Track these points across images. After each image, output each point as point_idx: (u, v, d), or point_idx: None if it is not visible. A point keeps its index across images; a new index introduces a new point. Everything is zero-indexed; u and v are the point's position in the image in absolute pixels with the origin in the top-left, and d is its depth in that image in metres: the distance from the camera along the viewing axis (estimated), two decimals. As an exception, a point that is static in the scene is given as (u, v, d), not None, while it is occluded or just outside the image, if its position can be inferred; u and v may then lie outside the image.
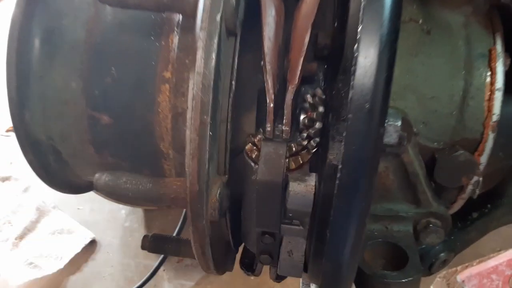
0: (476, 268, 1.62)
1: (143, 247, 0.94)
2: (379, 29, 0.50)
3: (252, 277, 1.18)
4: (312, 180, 0.64)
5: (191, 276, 1.69)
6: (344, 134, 0.51)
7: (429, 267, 1.01)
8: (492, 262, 1.55)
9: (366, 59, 0.50)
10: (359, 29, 0.50)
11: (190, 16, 0.65)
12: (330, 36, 0.71)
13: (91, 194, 1.73)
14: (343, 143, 0.52)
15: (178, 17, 0.74)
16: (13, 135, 2.32)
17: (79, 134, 0.83)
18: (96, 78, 0.78)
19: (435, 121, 0.77)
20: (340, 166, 0.52)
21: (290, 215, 0.67)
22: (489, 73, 0.76)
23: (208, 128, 0.62)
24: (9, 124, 2.32)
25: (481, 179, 0.80)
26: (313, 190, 0.63)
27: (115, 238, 1.81)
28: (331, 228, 0.55)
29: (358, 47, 0.50)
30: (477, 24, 0.79)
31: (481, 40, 0.78)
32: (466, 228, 1.00)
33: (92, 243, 1.76)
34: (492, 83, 0.75)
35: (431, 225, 0.81)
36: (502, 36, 0.78)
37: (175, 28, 0.74)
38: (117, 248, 1.78)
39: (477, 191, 0.81)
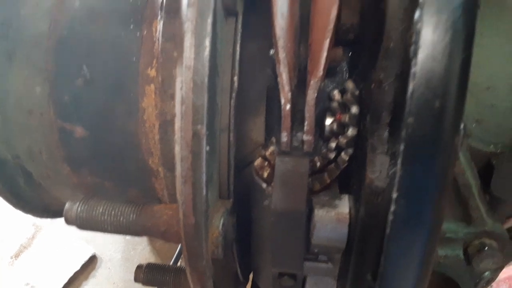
0: (506, 272, 1.44)
1: (136, 279, 0.77)
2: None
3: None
4: (344, 205, 0.46)
5: (198, 290, 1.52)
6: (401, 148, 0.33)
7: (475, 286, 0.82)
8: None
9: (434, 33, 0.31)
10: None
11: (175, -7, 0.47)
12: (357, 13, 0.52)
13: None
14: (400, 161, 0.33)
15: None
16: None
17: (50, 151, 0.65)
18: (65, 80, 0.60)
19: (491, 118, 0.60)
20: (395, 195, 0.34)
21: (316, 250, 0.49)
22: (561, 55, 0.57)
23: (204, 141, 0.44)
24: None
25: (548, 188, 0.61)
26: (347, 219, 0.45)
27: (116, 253, 1.65)
28: (382, 278, 0.37)
29: (421, 15, 0.32)
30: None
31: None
32: (512, 239, 0.82)
33: (92, 259, 1.61)
34: None
35: (486, 247, 0.62)
36: None
37: (159, 12, 0.56)
38: (118, 263, 1.63)
39: (543, 204, 0.63)
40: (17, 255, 1.60)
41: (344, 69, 0.56)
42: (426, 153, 0.33)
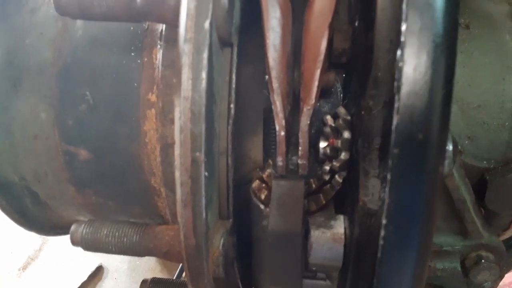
0: (510, 277, 1.45)
1: (141, 293, 0.79)
2: (432, 27, 0.33)
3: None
4: (339, 225, 0.48)
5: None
6: (388, 177, 0.35)
7: (473, 298, 0.83)
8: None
9: (416, 71, 0.33)
10: (403, 29, 0.34)
11: (173, 24, 0.49)
12: (349, 39, 0.54)
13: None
14: (387, 189, 0.35)
15: (162, 26, 0.58)
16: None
17: (55, 173, 0.67)
18: (69, 106, 0.63)
19: (483, 135, 0.61)
20: (384, 222, 0.36)
21: (314, 269, 0.51)
22: (547, 73, 0.59)
23: (203, 167, 0.46)
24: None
25: (542, 202, 0.63)
26: (343, 240, 0.47)
27: (122, 263, 1.67)
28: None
29: (402, 54, 0.34)
30: (526, 14, 0.62)
31: (534, 32, 0.61)
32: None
33: (99, 270, 1.64)
34: (553, 85, 0.59)
35: (482, 260, 0.64)
36: (559, 25, 0.61)
37: (158, 41, 0.58)
38: (124, 274, 1.65)
39: (537, 216, 0.64)
40: (24, 267, 1.63)
41: (339, 90, 0.58)
42: (411, 183, 0.35)
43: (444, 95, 0.34)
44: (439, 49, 0.33)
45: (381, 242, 0.36)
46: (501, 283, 1.41)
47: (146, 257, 1.76)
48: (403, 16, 0.34)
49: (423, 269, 0.37)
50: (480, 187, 0.62)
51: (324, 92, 0.55)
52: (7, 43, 0.64)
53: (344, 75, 0.58)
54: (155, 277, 0.80)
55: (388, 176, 0.35)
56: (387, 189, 0.35)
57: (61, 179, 0.68)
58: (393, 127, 0.34)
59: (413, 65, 0.33)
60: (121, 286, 1.61)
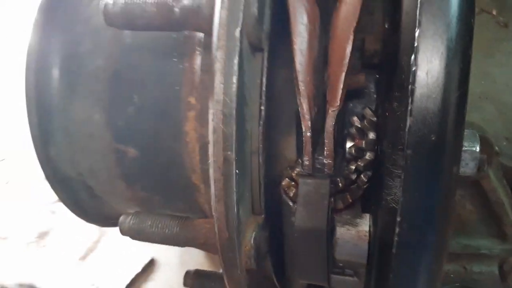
0: None
1: (185, 284, 0.84)
2: (445, 32, 0.35)
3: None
4: (365, 223, 0.50)
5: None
6: (402, 177, 0.37)
7: None
8: None
9: (428, 74, 0.35)
10: (416, 34, 0.36)
11: (208, 32, 0.53)
12: (380, 40, 0.56)
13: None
14: (401, 188, 0.37)
15: (200, 33, 0.63)
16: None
17: (108, 169, 0.75)
18: (119, 108, 0.69)
19: None
20: (398, 219, 0.38)
21: (341, 265, 0.53)
22: None
23: (234, 165, 0.50)
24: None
25: None
26: (367, 237, 0.49)
27: (173, 257, 1.76)
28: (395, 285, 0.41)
29: (416, 58, 0.36)
30: None
31: None
32: None
33: (151, 263, 1.73)
34: None
35: (523, 264, 0.63)
36: None
37: (197, 47, 0.63)
38: (175, 267, 1.73)
39: None
40: (84, 257, 1.76)
41: (372, 90, 0.59)
42: (424, 183, 0.36)
43: (458, 98, 0.35)
44: (452, 53, 0.35)
45: (396, 238, 0.38)
46: None
47: (195, 252, 1.84)
48: (417, 22, 0.36)
49: (439, 267, 0.38)
50: (519, 189, 0.61)
51: (356, 93, 0.57)
52: (64, 52, 0.72)
53: (377, 76, 0.59)
54: (197, 269, 0.86)
55: (402, 176, 0.37)
56: (401, 188, 0.37)
57: (112, 175, 0.75)
58: (407, 129, 0.36)
59: (426, 70, 0.35)
60: (172, 279, 1.69)
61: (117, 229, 1.80)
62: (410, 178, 0.36)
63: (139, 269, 1.71)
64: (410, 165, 0.36)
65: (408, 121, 0.36)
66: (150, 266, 1.75)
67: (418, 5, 0.36)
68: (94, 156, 0.74)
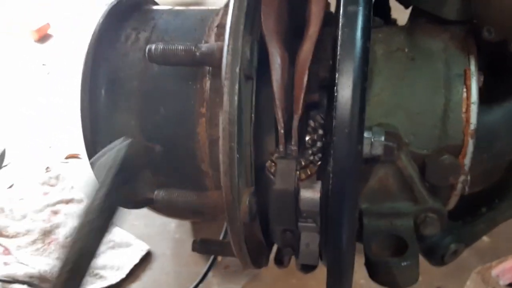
0: (510, 263, 1.75)
1: (193, 249, 1.17)
2: (351, 75, 0.71)
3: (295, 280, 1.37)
4: (318, 186, 0.85)
5: (237, 281, 1.91)
6: (332, 152, 0.73)
7: (442, 257, 1.16)
8: (524, 256, 1.67)
9: (343, 98, 0.71)
10: (336, 76, 0.72)
11: (217, 67, 0.88)
12: (328, 70, 0.92)
13: (144, 211, 1.99)
14: (331, 158, 0.73)
15: (209, 67, 0.98)
16: (71, 161, 2.64)
17: (138, 161, 1.08)
18: (149, 116, 1.03)
19: (422, 132, 0.93)
20: (331, 176, 0.73)
21: (304, 215, 0.88)
22: (465, 90, 0.94)
23: (235, 152, 0.84)
24: (67, 152, 2.65)
25: (468, 177, 0.97)
26: (319, 194, 0.84)
27: (167, 249, 2.05)
28: (330, 223, 0.76)
29: (337, 88, 0.71)
30: (454, 48, 0.97)
31: (458, 62, 0.96)
32: (475, 221, 1.16)
33: (148, 254, 2.00)
34: (468, 98, 0.93)
35: (428, 218, 0.98)
36: (476, 57, 0.96)
37: (207, 75, 0.97)
38: (170, 258, 2.02)
39: (467, 188, 0.99)
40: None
41: (324, 103, 0.95)
42: (343, 155, 0.72)
43: (359, 108, 0.71)
44: (355, 85, 0.71)
45: (330, 187, 0.74)
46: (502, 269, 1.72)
47: (187, 245, 2.15)
48: (337, 68, 0.72)
49: (355, 202, 0.74)
50: (423, 167, 0.97)
51: (313, 105, 0.93)
52: (108, 76, 1.06)
53: (327, 94, 0.95)
54: (202, 238, 1.19)
55: (332, 151, 0.72)
56: (332, 158, 0.73)
57: (141, 165, 1.08)
58: (334, 126, 0.72)
59: (342, 94, 0.71)
60: (167, 268, 1.98)
61: (115, 227, 2.12)
62: (336, 152, 0.72)
63: (137, 260, 2.00)
64: (336, 146, 0.72)
65: (334, 122, 0.72)
66: (147, 258, 2.03)
67: (338, 59, 0.72)
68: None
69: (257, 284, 1.89)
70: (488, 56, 0.99)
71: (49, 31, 3.55)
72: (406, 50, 0.99)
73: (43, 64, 3.29)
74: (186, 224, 2.16)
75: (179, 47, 0.88)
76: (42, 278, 1.91)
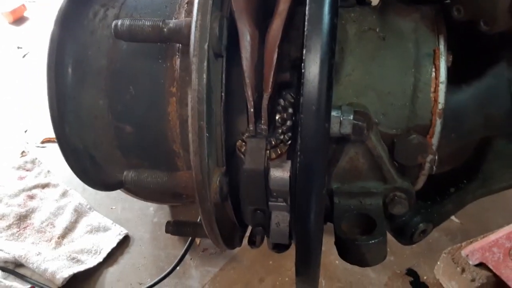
0: (479, 243, 1.78)
1: (166, 231, 1.15)
2: (319, 51, 0.69)
3: (271, 261, 1.37)
4: (288, 165, 0.84)
5: (215, 263, 1.92)
6: (299, 129, 0.71)
7: (410, 237, 1.17)
8: (493, 236, 1.71)
9: (310, 74, 0.69)
10: (304, 52, 0.70)
11: (186, 45, 0.85)
12: (300, 49, 0.90)
13: (122, 195, 1.98)
14: (299, 136, 0.71)
15: (179, 44, 0.95)
16: (48, 146, 2.60)
17: (108, 142, 1.05)
18: (118, 96, 1.00)
19: (392, 112, 0.92)
20: (298, 153, 0.72)
21: (275, 194, 0.87)
22: (433, 70, 0.93)
23: (205, 131, 0.82)
24: (43, 136, 2.61)
25: (436, 157, 0.97)
26: (289, 173, 0.83)
27: (145, 233, 2.04)
28: (298, 200, 0.75)
29: (304, 65, 0.70)
30: (424, 28, 0.96)
31: (427, 41, 0.95)
32: (443, 201, 1.17)
33: (126, 238, 2.01)
34: (437, 77, 0.93)
35: (396, 197, 0.98)
36: (445, 37, 0.95)
37: (177, 53, 0.95)
38: (148, 242, 2.02)
39: (434, 168, 0.99)
40: (63, 236, 1.99)
41: (295, 82, 0.93)
42: (311, 132, 0.71)
43: (326, 85, 0.70)
44: (322, 62, 0.69)
45: (297, 165, 0.72)
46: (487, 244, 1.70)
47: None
48: (304, 45, 0.70)
49: (322, 180, 0.73)
50: (392, 147, 0.97)
51: (284, 84, 0.92)
52: (76, 54, 1.02)
53: (298, 73, 0.94)
54: (176, 219, 1.17)
55: (299, 129, 0.71)
56: (299, 136, 0.71)
57: (112, 146, 1.05)
58: (301, 103, 0.71)
59: (309, 71, 0.69)
60: (145, 251, 1.97)
61: (93, 211, 2.10)
62: (303, 129, 0.70)
63: (114, 244, 1.98)
64: (303, 123, 0.70)
65: (301, 99, 0.70)
66: (125, 241, 2.02)
67: (305, 35, 0.70)
68: (98, 131, 1.04)
69: (234, 266, 1.90)
70: (458, 36, 0.98)
71: (25, 14, 3.44)
72: (378, 30, 0.97)
73: (19, 47, 3.21)
74: (165, 208, 2.14)
75: (146, 23, 0.85)
76: (17, 263, 1.88)
